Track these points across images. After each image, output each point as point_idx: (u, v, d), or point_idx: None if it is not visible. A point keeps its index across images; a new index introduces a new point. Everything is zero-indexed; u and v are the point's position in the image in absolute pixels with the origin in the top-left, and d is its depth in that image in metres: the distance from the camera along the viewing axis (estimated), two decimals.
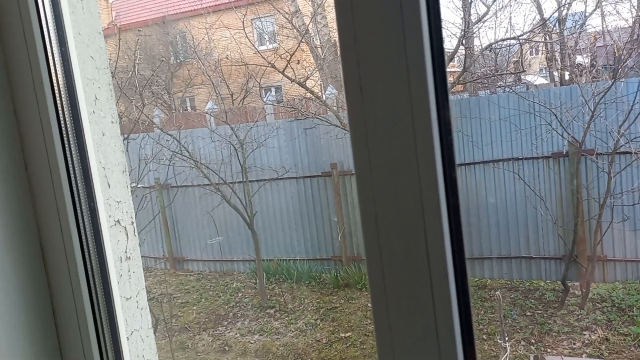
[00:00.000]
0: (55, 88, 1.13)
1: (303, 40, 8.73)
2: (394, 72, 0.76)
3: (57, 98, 1.13)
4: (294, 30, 8.98)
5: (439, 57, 0.77)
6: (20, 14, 1.12)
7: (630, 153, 6.07)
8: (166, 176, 8.31)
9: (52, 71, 1.13)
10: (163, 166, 8.01)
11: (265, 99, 10.11)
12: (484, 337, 5.80)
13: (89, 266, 1.17)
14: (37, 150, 1.16)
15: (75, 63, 1.17)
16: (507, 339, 5.24)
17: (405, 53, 0.76)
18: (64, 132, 1.14)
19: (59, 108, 1.13)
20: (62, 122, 1.14)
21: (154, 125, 8.57)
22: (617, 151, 6.10)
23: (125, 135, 6.69)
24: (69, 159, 1.14)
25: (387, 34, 0.76)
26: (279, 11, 9.14)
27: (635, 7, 7.94)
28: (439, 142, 0.76)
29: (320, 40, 9.53)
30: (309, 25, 9.08)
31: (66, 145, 1.14)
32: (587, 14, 8.77)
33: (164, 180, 8.52)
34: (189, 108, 13.97)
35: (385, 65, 0.77)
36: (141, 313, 1.33)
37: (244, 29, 8.45)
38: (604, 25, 8.42)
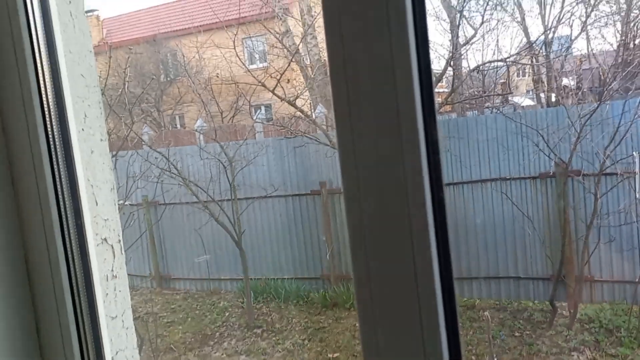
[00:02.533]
0: (45, 105, 1.13)
1: (293, 60, 8.79)
2: (382, 92, 0.77)
3: (47, 115, 1.13)
4: (285, 49, 9.04)
5: (426, 78, 0.78)
6: (12, 32, 1.12)
7: (616, 174, 6.13)
8: (154, 194, 8.25)
9: (42, 89, 1.13)
10: (151, 184, 7.96)
11: (255, 117, 10.12)
12: (473, 357, 5.77)
13: (74, 284, 1.16)
14: (25, 167, 1.15)
15: (65, 81, 1.17)
16: (496, 359, 5.22)
17: (393, 74, 0.77)
18: (52, 149, 1.14)
19: (48, 125, 1.13)
20: (50, 139, 1.14)
21: (143, 143, 8.54)
22: (603, 172, 6.16)
23: (114, 153, 6.66)
24: (57, 175, 1.14)
25: (375, 55, 0.77)
26: (269, 31, 9.20)
27: (620, 32, 8.11)
28: (426, 162, 0.77)
29: (310, 60, 9.59)
30: (299, 45, 9.15)
31: (54, 162, 1.14)
32: (572, 38, 8.92)
33: (152, 197, 8.46)
34: (178, 126, 13.95)
35: (374, 86, 0.78)
36: (126, 333, 1.32)
37: (234, 48, 8.48)
38: (590, 49, 8.56)
